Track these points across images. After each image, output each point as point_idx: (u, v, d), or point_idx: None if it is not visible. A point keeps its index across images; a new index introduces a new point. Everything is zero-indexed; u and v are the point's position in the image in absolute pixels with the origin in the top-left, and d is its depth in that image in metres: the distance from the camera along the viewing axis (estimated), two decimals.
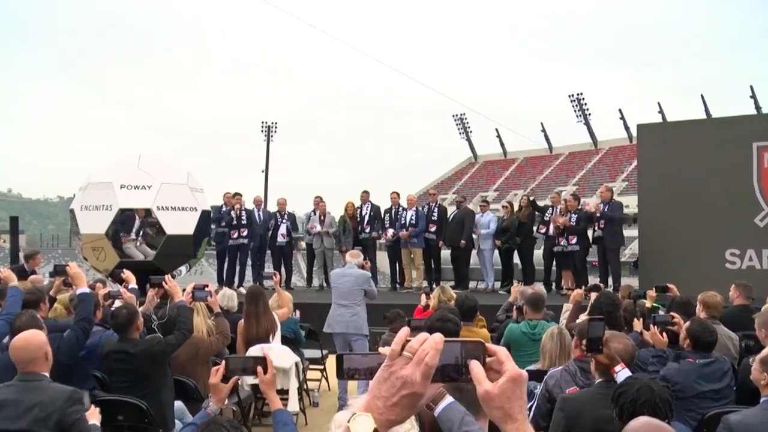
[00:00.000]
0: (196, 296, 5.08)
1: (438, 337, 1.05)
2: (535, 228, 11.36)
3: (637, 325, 4.84)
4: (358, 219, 11.73)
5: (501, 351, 1.11)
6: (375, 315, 7.19)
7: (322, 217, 11.85)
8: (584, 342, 3.27)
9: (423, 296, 7.08)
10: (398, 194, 11.80)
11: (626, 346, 3.31)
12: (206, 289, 5.12)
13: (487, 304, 7.87)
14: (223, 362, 2.73)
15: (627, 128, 53.34)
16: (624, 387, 2.71)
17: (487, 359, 1.11)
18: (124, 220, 10.57)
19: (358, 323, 6.78)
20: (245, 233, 11.49)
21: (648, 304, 6.15)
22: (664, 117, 47.76)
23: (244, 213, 11.50)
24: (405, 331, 1.08)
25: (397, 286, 11.96)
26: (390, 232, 11.59)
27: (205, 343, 5.19)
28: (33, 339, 3.25)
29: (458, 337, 3.78)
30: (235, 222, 11.41)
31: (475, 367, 1.09)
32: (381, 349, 1.10)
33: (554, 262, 11.16)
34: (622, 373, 3.14)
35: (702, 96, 51.31)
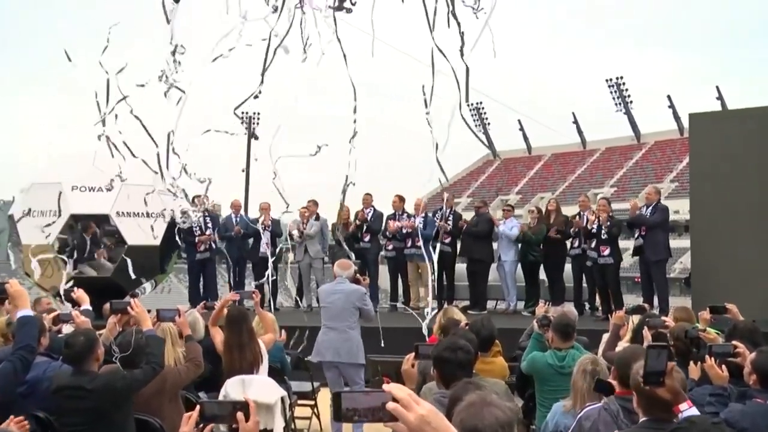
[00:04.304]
0: (162, 316, 5.06)
1: None
2: (568, 243, 11.20)
3: (694, 371, 4.48)
4: (361, 224, 11.62)
5: None
6: (372, 339, 7.12)
7: (303, 224, 11.70)
8: (640, 373, 3.17)
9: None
10: (400, 197, 11.75)
11: (675, 379, 3.25)
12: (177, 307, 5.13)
13: (508, 327, 7.85)
14: (197, 407, 2.70)
15: (677, 118, 53.45)
16: (679, 431, 2.64)
17: None
18: (79, 245, 10.50)
19: (352, 350, 6.70)
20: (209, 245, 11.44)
21: (701, 328, 6.06)
22: (723, 104, 47.75)
23: (209, 220, 11.37)
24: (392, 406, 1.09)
25: (399, 305, 11.85)
26: (393, 224, 11.44)
27: (173, 373, 5.09)
28: None
29: (471, 368, 3.77)
30: (198, 231, 11.20)
31: None
32: (385, 387, 1.09)
33: (584, 278, 11.07)
34: (688, 412, 3.06)
35: None
